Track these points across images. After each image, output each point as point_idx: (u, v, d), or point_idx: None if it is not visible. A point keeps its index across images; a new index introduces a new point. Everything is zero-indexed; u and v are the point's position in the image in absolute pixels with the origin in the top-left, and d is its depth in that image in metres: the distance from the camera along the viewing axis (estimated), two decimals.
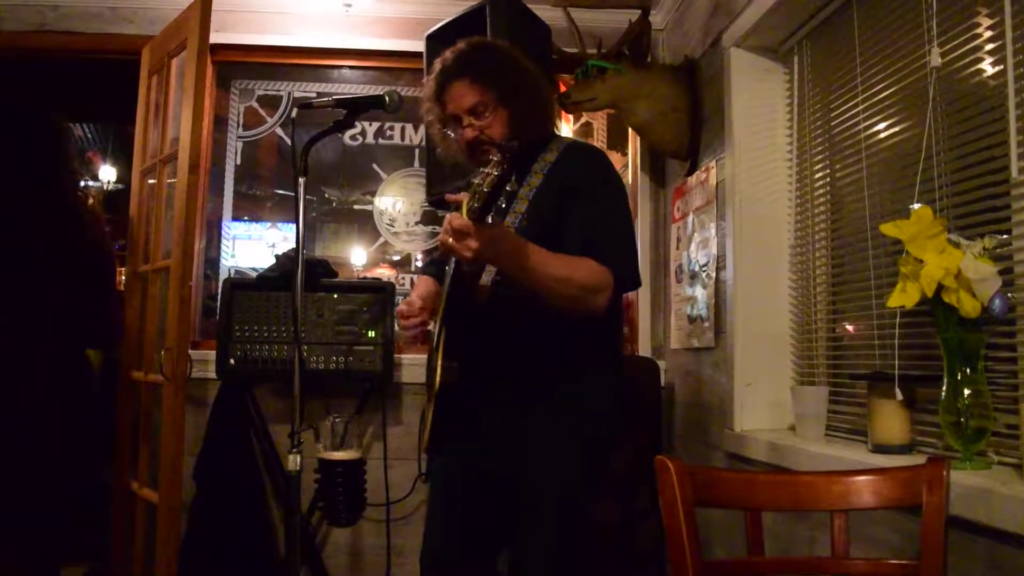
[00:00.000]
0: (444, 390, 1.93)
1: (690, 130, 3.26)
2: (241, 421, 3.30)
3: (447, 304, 1.95)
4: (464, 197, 1.66)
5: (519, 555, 2.04)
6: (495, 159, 1.58)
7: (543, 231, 1.93)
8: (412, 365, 3.51)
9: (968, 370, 1.70)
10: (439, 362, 1.94)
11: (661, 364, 3.55)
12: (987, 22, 1.88)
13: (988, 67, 1.88)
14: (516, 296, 1.90)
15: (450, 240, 1.68)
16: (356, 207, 4.00)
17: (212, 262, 3.85)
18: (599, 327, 2.01)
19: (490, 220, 1.68)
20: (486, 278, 1.98)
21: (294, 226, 2.14)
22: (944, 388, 1.72)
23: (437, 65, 2.10)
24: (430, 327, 2.15)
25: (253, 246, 3.94)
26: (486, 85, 2.01)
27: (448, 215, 1.69)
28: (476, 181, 1.62)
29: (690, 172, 3.33)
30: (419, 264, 3.91)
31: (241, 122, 3.91)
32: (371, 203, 3.97)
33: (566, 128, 4.40)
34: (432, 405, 1.98)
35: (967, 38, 1.93)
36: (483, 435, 2.02)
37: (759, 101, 2.90)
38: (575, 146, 2.11)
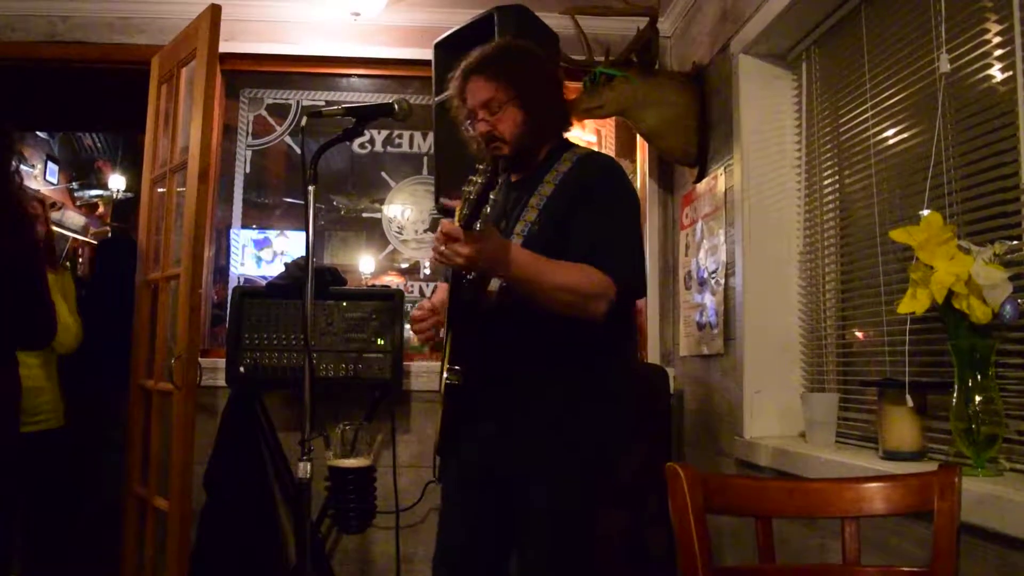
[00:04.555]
0: (449, 393, 1.96)
1: (698, 137, 3.26)
2: (251, 429, 3.30)
3: (451, 309, 1.97)
4: (456, 211, 1.71)
5: (520, 563, 2.04)
6: (481, 167, 1.64)
7: (552, 239, 1.95)
8: (422, 372, 3.52)
9: (979, 376, 1.69)
10: (444, 365, 1.98)
11: (670, 371, 3.55)
12: (996, 28, 1.87)
13: (997, 73, 1.88)
14: (522, 302, 1.91)
15: (442, 247, 1.75)
16: (365, 215, 4.01)
17: (221, 270, 3.86)
18: (606, 335, 2.01)
19: (478, 226, 1.72)
20: (494, 284, 2.00)
21: (303, 234, 2.15)
22: (955, 394, 1.72)
23: (461, 64, 2.15)
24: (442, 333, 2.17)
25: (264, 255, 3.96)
26: (501, 83, 2.05)
27: (442, 221, 1.76)
28: (466, 189, 1.70)
29: (698, 179, 3.33)
30: (427, 272, 3.92)
31: (250, 131, 3.93)
32: (380, 211, 3.98)
33: (580, 132, 4.39)
34: (441, 407, 2.00)
35: (976, 44, 1.93)
36: (486, 439, 2.03)
37: (767, 107, 2.90)
38: (589, 156, 2.13)
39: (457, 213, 1.71)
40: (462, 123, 2.16)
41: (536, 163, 2.09)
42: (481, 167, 1.66)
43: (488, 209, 1.81)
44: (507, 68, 2.07)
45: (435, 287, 2.39)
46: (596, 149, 2.18)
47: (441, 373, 2.03)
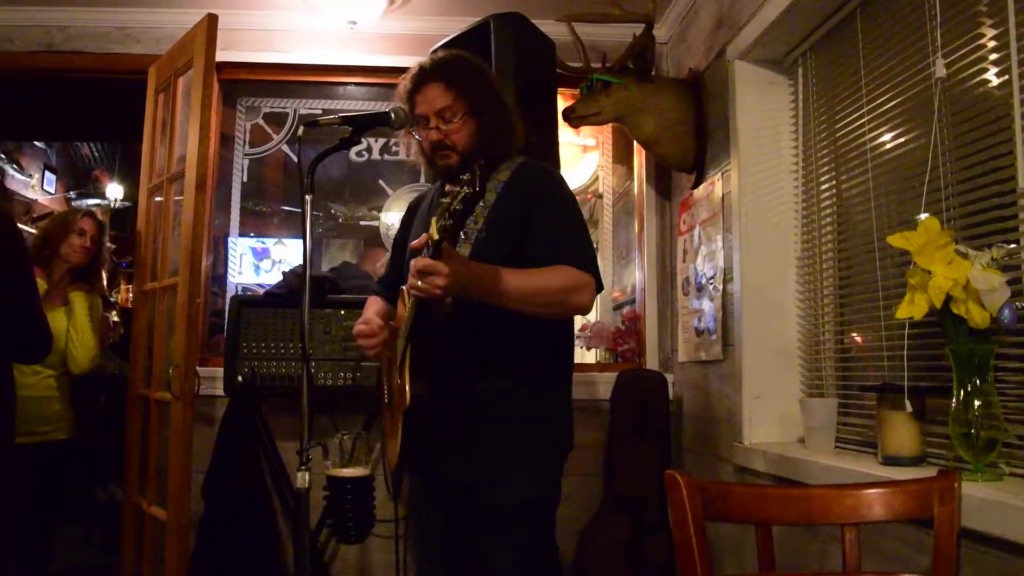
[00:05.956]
0: (414, 406, 1.95)
1: (695, 143, 3.27)
2: (249, 438, 3.29)
3: (413, 323, 1.96)
4: (432, 224, 1.68)
5: (486, 562, 2.06)
6: (465, 178, 1.63)
7: (501, 244, 1.99)
8: None
9: (978, 381, 1.69)
10: (407, 379, 1.96)
11: (669, 377, 3.54)
12: (991, 32, 1.88)
13: (993, 77, 1.88)
14: (476, 314, 1.94)
15: (419, 283, 1.74)
16: (362, 223, 4.01)
17: (219, 279, 3.86)
18: (551, 341, 2.09)
19: (460, 242, 1.75)
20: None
21: (301, 242, 2.15)
22: (954, 399, 1.71)
23: (414, 68, 2.15)
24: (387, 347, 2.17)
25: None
26: (459, 93, 2.07)
27: (413, 260, 1.75)
28: (445, 200, 1.66)
29: (696, 185, 3.33)
30: None
31: (247, 139, 3.93)
32: (377, 219, 3.98)
33: (577, 139, 4.40)
34: (401, 423, 1.99)
35: (972, 48, 1.93)
36: (447, 449, 2.05)
37: (764, 113, 2.90)
38: (527, 166, 2.16)
39: (434, 225, 1.68)
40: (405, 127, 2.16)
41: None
42: (465, 178, 1.64)
43: (472, 222, 1.91)
44: (465, 81, 2.08)
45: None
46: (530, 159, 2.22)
47: (391, 386, 2.04)
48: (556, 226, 2.03)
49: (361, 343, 2.16)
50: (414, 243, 1.86)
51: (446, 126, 2.06)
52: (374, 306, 2.34)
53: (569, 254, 1.97)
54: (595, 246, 2.24)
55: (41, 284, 3.15)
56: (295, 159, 3.88)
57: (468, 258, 1.96)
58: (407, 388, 1.94)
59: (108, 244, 3.64)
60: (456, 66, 2.12)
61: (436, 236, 1.66)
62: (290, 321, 3.28)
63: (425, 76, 2.09)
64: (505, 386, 2.03)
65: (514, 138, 2.17)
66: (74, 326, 3.18)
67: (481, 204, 2.03)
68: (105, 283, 3.51)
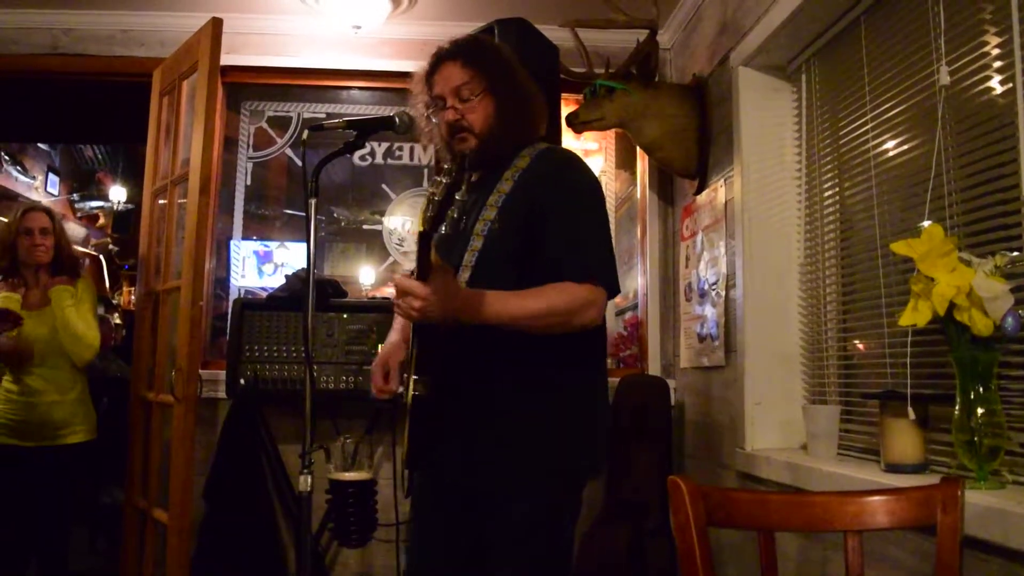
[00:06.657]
0: (416, 405, 1.91)
1: (698, 149, 3.27)
2: (251, 441, 3.30)
3: (416, 323, 1.93)
4: (419, 216, 1.67)
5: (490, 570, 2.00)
6: (446, 167, 1.61)
7: (514, 237, 1.91)
8: None
9: (981, 389, 1.69)
10: (411, 377, 1.92)
11: (671, 383, 3.54)
12: (995, 40, 1.88)
13: (997, 85, 1.88)
14: None
15: (399, 301, 1.71)
16: (365, 227, 4.02)
17: (222, 282, 3.86)
18: (572, 345, 1.95)
19: (460, 270, 1.68)
20: None
21: (304, 245, 2.14)
22: (957, 407, 1.71)
23: (433, 52, 2.09)
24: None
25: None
26: (477, 70, 2.00)
27: (394, 276, 1.71)
28: (431, 191, 1.65)
29: (699, 191, 3.34)
30: None
31: (251, 143, 3.94)
32: (380, 223, 3.98)
33: (580, 143, 4.41)
34: (407, 421, 1.95)
35: (976, 56, 1.93)
36: (452, 452, 2.00)
37: (767, 120, 2.90)
38: (548, 153, 2.05)
39: (420, 216, 1.67)
40: (422, 113, 2.08)
41: (495, 162, 2.02)
42: (446, 167, 1.63)
43: (454, 212, 1.85)
44: (483, 59, 2.03)
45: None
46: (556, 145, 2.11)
47: (408, 386, 2.00)
48: (568, 229, 1.91)
49: (378, 394, 2.12)
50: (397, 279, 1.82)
51: (462, 104, 1.98)
52: (399, 320, 2.25)
53: (576, 267, 1.87)
54: None
55: (15, 297, 3.16)
56: (299, 163, 3.89)
57: (479, 256, 1.91)
58: (410, 389, 1.93)
59: (109, 238, 3.65)
60: (474, 46, 2.06)
61: (420, 228, 1.65)
62: (293, 324, 3.29)
63: (443, 56, 2.04)
64: (507, 391, 1.95)
65: (536, 123, 2.10)
66: (58, 322, 3.17)
67: (496, 193, 1.96)
68: (107, 283, 3.52)
